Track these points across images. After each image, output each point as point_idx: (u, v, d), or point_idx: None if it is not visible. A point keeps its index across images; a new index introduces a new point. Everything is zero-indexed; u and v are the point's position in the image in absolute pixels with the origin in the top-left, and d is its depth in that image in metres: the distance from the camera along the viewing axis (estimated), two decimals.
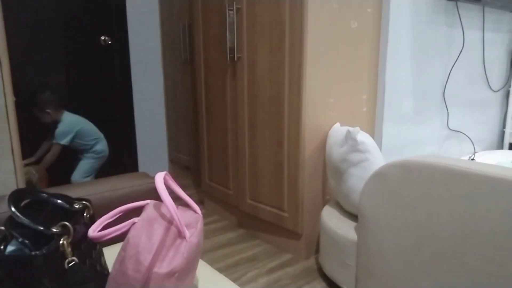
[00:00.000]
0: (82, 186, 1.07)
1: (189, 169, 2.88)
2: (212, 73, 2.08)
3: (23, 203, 0.65)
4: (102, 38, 2.46)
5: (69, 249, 0.62)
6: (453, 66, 2.19)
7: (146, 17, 2.68)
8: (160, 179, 0.70)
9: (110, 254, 0.73)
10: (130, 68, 2.60)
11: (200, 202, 2.43)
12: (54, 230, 0.62)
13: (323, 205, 1.79)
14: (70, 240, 0.62)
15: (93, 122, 2.45)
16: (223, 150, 2.10)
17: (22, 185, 1.33)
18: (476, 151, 2.46)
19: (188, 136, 2.79)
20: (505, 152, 2.50)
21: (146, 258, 0.61)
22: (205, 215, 2.27)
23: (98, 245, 0.73)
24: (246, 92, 1.86)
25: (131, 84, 2.64)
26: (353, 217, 1.54)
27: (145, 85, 2.74)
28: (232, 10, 1.82)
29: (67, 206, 0.70)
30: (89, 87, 2.48)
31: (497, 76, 2.56)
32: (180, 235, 0.69)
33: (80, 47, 2.39)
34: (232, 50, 1.86)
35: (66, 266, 0.61)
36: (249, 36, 1.79)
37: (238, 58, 1.86)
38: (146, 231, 0.64)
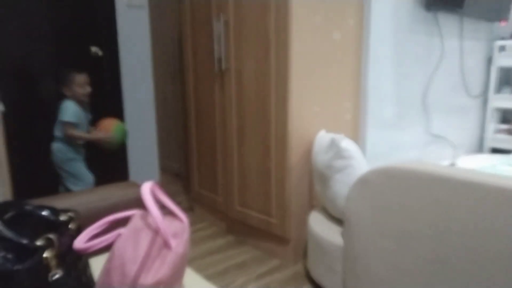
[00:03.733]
0: (69, 196, 1.04)
1: (179, 176, 2.88)
2: (201, 83, 2.10)
3: (7, 216, 0.64)
4: (93, 49, 2.46)
5: (54, 262, 0.61)
6: (433, 73, 2.23)
7: (137, 29, 2.68)
8: (146, 189, 0.69)
9: (97, 265, 0.72)
10: (121, 79, 2.59)
11: (189, 209, 2.44)
12: (38, 243, 0.61)
13: (310, 211, 1.80)
14: (55, 252, 0.61)
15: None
16: (212, 158, 2.11)
17: (9, 196, 1.31)
18: (456, 155, 2.50)
19: (178, 144, 2.80)
20: (486, 156, 2.54)
21: (132, 270, 0.60)
22: (194, 222, 2.27)
23: (84, 256, 0.72)
24: (234, 101, 1.89)
25: (121, 94, 2.63)
26: (339, 222, 1.55)
27: (136, 95, 2.73)
28: (220, 22, 1.85)
29: (53, 217, 0.69)
30: None
31: (475, 83, 2.62)
32: (166, 245, 0.68)
33: (70, 58, 2.36)
34: (220, 60, 1.89)
35: (50, 279, 0.60)
36: (236, 47, 1.82)
37: (226, 68, 1.89)
38: (132, 242, 0.64)
